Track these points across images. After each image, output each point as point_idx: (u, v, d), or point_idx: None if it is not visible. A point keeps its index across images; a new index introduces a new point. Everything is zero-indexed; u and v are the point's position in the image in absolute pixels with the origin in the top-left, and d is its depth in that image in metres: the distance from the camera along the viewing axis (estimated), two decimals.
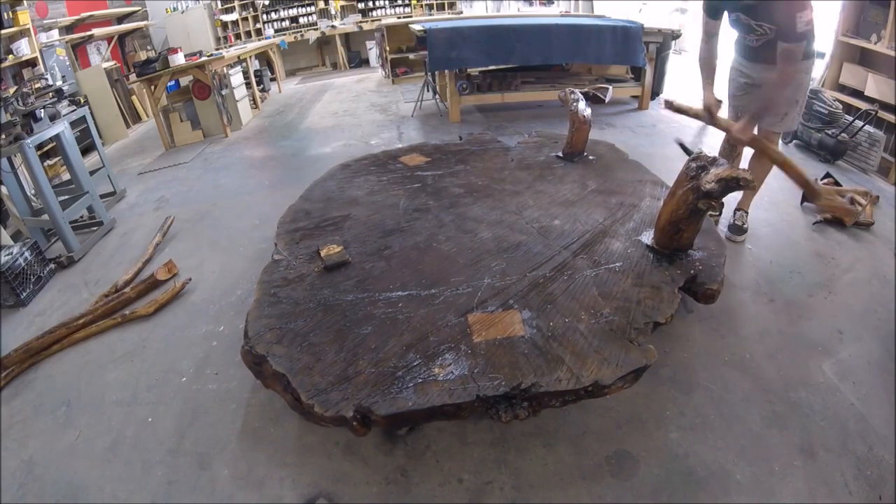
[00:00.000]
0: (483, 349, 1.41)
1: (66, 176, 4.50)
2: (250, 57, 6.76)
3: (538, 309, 1.56)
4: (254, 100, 6.51)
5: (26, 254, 2.68)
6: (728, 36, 2.33)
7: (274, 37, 8.83)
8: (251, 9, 9.37)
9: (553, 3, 9.51)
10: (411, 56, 7.35)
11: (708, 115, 2.30)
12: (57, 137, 3.17)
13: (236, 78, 5.77)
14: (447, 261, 1.85)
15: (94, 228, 3.34)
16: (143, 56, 7.30)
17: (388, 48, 7.43)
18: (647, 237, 1.90)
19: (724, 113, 2.41)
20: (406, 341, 1.47)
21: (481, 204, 2.27)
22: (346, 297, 1.69)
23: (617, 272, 1.73)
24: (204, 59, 5.27)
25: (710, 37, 2.26)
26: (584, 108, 2.65)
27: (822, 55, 3.65)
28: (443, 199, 2.34)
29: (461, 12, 9.48)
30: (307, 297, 1.71)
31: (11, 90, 3.99)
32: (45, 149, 4.59)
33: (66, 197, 3.26)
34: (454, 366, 1.36)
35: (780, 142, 2.98)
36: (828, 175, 2.97)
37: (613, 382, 1.30)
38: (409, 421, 1.33)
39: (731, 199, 2.56)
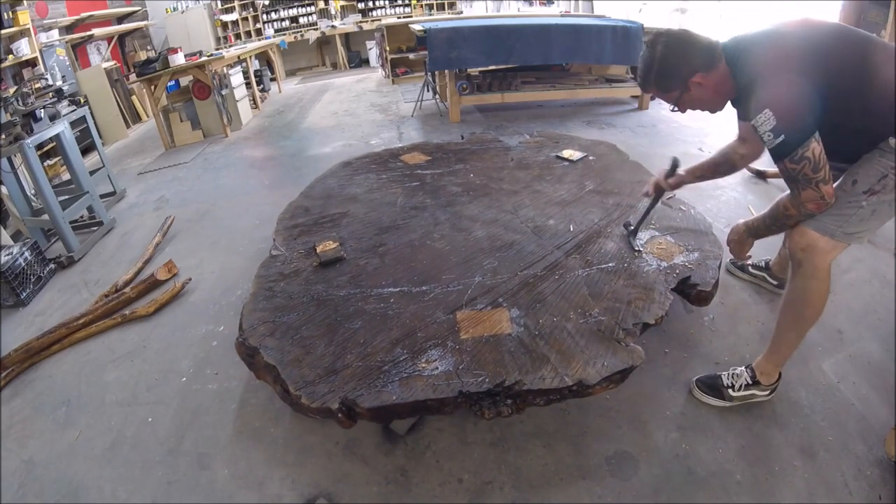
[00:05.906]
0: (469, 346, 1.42)
1: (66, 176, 4.50)
2: (250, 57, 6.76)
3: (527, 307, 1.56)
4: (254, 100, 6.51)
5: (26, 254, 2.68)
6: None
7: (274, 37, 8.84)
8: (251, 9, 9.39)
9: (553, 3, 9.52)
10: (411, 56, 7.37)
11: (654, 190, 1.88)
12: (57, 137, 3.17)
13: (236, 78, 5.78)
14: (440, 258, 1.85)
15: (94, 228, 3.34)
16: (143, 56, 7.31)
17: (388, 48, 7.44)
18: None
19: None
20: (394, 336, 1.48)
21: (478, 203, 2.27)
22: (339, 293, 1.70)
23: (609, 272, 1.72)
24: (204, 59, 5.27)
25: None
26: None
27: None
28: (440, 198, 2.34)
29: (461, 12, 9.50)
30: (301, 291, 1.73)
31: (11, 90, 3.99)
32: (45, 149, 4.60)
33: (66, 197, 3.26)
34: (439, 362, 1.37)
35: None
36: None
37: (598, 382, 1.29)
38: (394, 414, 1.34)
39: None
